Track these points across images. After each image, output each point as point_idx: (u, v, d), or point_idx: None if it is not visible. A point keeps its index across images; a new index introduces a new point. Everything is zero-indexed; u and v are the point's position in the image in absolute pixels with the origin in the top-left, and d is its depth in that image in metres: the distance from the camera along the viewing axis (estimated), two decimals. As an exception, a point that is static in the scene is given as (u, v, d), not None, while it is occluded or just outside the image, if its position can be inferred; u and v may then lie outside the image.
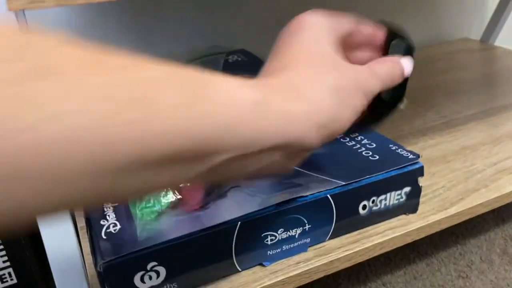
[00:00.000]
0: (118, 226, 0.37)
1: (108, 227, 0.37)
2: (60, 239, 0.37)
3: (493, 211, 0.56)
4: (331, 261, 0.42)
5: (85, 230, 0.46)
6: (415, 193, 0.46)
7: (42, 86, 0.14)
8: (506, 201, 0.52)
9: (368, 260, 0.45)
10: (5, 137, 0.13)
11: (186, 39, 0.76)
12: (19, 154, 0.13)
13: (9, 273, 0.50)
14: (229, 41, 0.78)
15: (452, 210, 0.48)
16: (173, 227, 0.36)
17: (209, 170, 0.20)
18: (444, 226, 0.48)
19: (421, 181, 0.46)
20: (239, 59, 0.71)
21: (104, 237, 0.36)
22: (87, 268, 0.41)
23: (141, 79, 0.17)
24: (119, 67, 0.17)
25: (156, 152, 0.17)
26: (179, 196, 0.37)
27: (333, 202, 0.41)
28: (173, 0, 0.73)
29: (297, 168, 0.43)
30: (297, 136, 0.22)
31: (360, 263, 0.44)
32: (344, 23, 0.29)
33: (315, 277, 0.42)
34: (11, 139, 0.13)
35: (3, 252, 0.49)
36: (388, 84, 0.29)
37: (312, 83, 0.24)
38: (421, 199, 0.47)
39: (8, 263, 0.50)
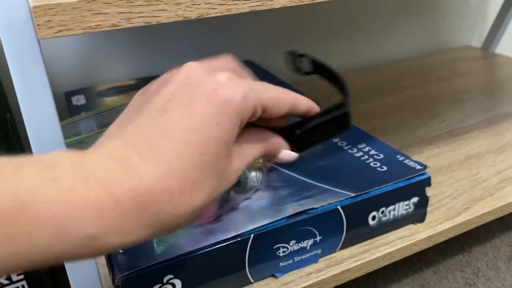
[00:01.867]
0: (134, 240, 0.38)
1: (124, 241, 0.38)
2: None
3: (498, 218, 0.57)
4: (342, 271, 0.43)
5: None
6: (423, 203, 0.47)
7: None
8: (511, 209, 0.53)
9: (374, 269, 0.45)
10: None
11: (194, 53, 0.77)
12: None
13: (23, 286, 0.51)
14: (235, 53, 0.80)
15: (459, 219, 0.49)
16: (188, 240, 0.37)
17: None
18: (451, 235, 0.49)
19: (428, 190, 0.47)
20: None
21: (121, 250, 0.37)
22: (102, 280, 0.42)
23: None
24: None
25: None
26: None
27: (343, 213, 0.42)
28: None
29: (307, 180, 0.44)
30: None
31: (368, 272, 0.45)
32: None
33: (327, 287, 0.43)
34: None
35: (17, 265, 0.50)
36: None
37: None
38: (428, 209, 0.48)
39: (21, 276, 0.50)
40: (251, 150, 0.27)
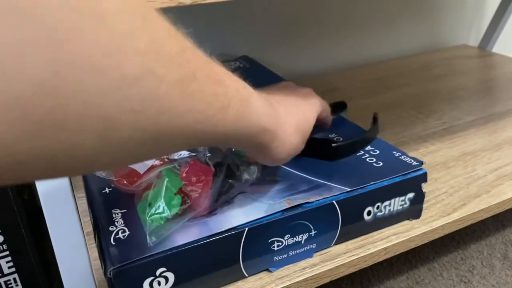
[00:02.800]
0: (127, 232, 0.37)
1: (117, 233, 0.37)
2: (70, 245, 0.37)
3: (493, 216, 0.57)
4: (336, 266, 0.42)
5: (90, 236, 0.46)
6: (419, 199, 0.47)
7: (190, 90, 0.21)
8: (507, 206, 0.52)
9: (370, 265, 0.45)
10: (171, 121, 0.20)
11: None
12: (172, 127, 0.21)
13: (14, 279, 0.50)
14: (232, 48, 0.79)
15: (455, 216, 0.49)
16: (182, 233, 0.37)
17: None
18: (447, 231, 0.49)
19: (424, 187, 0.46)
20: (241, 65, 0.72)
21: (113, 243, 0.36)
22: (94, 273, 0.42)
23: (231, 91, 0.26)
24: (219, 81, 0.24)
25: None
26: (187, 203, 0.37)
27: (339, 208, 0.42)
28: (176, 9, 0.73)
29: (303, 175, 0.44)
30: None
31: (362, 268, 0.45)
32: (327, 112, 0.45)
33: (321, 282, 0.42)
34: (174, 119, 0.21)
35: (8, 258, 0.49)
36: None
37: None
38: (424, 205, 0.48)
39: (13, 269, 0.50)
40: None
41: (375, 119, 0.49)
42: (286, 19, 0.84)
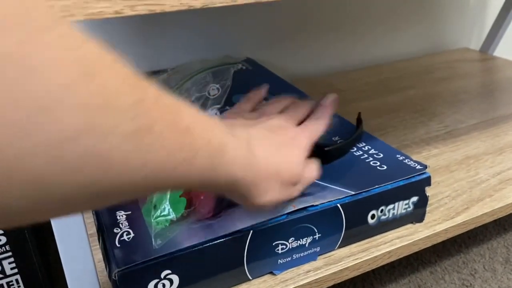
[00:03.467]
0: (132, 234, 0.37)
1: (121, 235, 0.37)
2: (74, 246, 0.37)
3: (494, 220, 0.57)
4: (340, 270, 0.42)
5: (94, 237, 0.46)
6: (422, 202, 0.47)
7: (144, 142, 0.19)
8: (510, 210, 0.53)
9: (373, 268, 0.45)
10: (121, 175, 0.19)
11: (192, 51, 0.77)
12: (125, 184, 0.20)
13: (17, 280, 0.50)
14: (235, 51, 0.79)
15: (458, 219, 0.49)
16: (187, 236, 0.37)
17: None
18: (450, 235, 0.49)
19: (427, 191, 0.46)
20: (244, 68, 0.72)
21: (118, 245, 0.36)
22: (98, 275, 0.41)
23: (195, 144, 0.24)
24: (183, 132, 0.23)
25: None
26: (192, 206, 0.37)
27: (343, 211, 0.42)
28: (180, 11, 0.73)
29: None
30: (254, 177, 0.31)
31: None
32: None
33: (325, 285, 0.42)
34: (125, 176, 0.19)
35: (11, 259, 0.49)
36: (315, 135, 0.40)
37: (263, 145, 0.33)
38: (427, 209, 0.48)
39: (15, 270, 0.50)
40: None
41: (359, 120, 0.53)
42: (290, 21, 0.84)
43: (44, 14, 0.16)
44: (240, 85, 0.57)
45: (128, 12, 0.23)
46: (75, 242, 0.36)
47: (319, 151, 0.46)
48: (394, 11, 0.94)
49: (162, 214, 0.36)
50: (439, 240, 0.48)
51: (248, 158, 0.29)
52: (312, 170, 0.38)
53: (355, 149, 0.49)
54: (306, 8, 0.84)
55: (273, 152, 0.33)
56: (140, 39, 0.73)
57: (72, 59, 0.16)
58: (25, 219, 0.17)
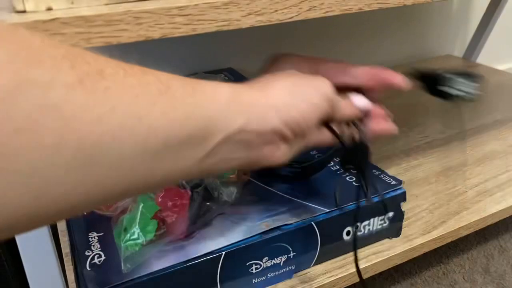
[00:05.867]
0: (103, 257, 0.37)
1: (92, 258, 0.37)
2: (42, 269, 0.37)
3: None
4: (316, 287, 0.42)
5: (69, 257, 0.46)
6: (398, 217, 0.47)
7: (101, 87, 0.18)
8: (487, 223, 0.53)
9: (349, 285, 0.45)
10: (81, 130, 0.17)
11: (176, 60, 0.76)
12: (91, 143, 0.17)
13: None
14: (217, 60, 0.79)
15: (435, 234, 0.49)
16: (158, 258, 0.36)
17: (207, 155, 0.24)
18: (427, 249, 0.49)
19: (405, 204, 0.46)
20: (226, 78, 0.72)
21: (89, 268, 0.36)
22: (71, 296, 0.41)
23: (163, 79, 0.22)
24: (142, 71, 0.21)
25: (176, 134, 0.21)
26: (163, 228, 0.37)
27: (318, 229, 0.42)
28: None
29: (282, 194, 0.44)
30: (258, 116, 0.27)
31: (344, 287, 0.45)
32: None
33: (300, 303, 0.42)
34: (84, 131, 0.17)
35: (-14, 279, 0.48)
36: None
37: (273, 84, 0.29)
38: (405, 222, 0.48)
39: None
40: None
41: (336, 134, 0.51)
42: (273, 30, 0.84)
43: None
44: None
45: (84, 45, 0.23)
46: (43, 266, 0.36)
47: (295, 167, 0.46)
48: (377, 19, 0.94)
49: (131, 238, 0.35)
50: (416, 254, 0.48)
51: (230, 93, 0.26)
52: (347, 105, 0.35)
53: (332, 163, 0.49)
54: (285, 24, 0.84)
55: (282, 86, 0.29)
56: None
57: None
58: None
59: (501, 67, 1.07)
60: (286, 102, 0.28)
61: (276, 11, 0.28)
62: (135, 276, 0.35)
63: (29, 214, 0.17)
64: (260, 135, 0.27)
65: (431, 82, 0.41)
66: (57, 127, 0.16)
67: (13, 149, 0.16)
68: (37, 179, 0.16)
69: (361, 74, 0.40)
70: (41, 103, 0.16)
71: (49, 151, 0.16)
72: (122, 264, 0.35)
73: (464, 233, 0.51)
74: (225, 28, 0.26)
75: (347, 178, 0.47)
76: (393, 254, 0.46)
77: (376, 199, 0.44)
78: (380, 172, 0.47)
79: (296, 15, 0.28)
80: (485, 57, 1.02)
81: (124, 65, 0.20)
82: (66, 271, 0.44)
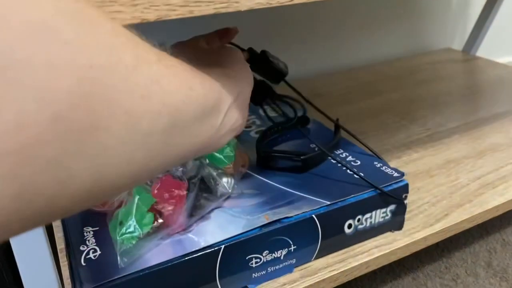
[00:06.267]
0: (98, 252, 0.36)
1: (88, 253, 0.36)
2: (36, 265, 0.35)
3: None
4: (317, 282, 0.41)
5: (64, 253, 0.45)
6: (400, 210, 0.46)
7: (140, 73, 0.19)
8: (490, 216, 0.52)
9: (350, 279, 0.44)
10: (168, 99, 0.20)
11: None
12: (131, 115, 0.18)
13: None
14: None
15: (437, 227, 0.48)
16: (155, 253, 0.35)
17: (221, 123, 0.26)
18: (429, 242, 0.48)
19: (407, 197, 0.45)
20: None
21: (84, 264, 0.35)
22: (66, 293, 0.40)
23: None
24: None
25: (207, 103, 0.24)
26: (160, 221, 0.36)
27: (318, 222, 0.41)
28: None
29: (282, 187, 0.43)
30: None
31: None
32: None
33: (301, 298, 0.41)
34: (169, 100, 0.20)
35: (-21, 276, 0.47)
36: None
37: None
38: (407, 216, 0.47)
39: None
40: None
41: (337, 127, 0.52)
42: (269, 25, 0.83)
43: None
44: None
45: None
46: (36, 262, 0.35)
47: (295, 160, 0.45)
48: (376, 12, 0.93)
49: (127, 231, 0.34)
50: (418, 248, 0.47)
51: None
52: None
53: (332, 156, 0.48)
54: (286, 12, 0.83)
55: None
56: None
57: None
58: None
59: (501, 60, 1.06)
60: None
61: (276, -7, 0.27)
62: (132, 271, 0.34)
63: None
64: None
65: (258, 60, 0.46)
66: (160, 97, 0.19)
67: (139, 113, 0.18)
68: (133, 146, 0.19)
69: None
70: (152, 77, 0.19)
71: (151, 116, 0.19)
72: (119, 259, 0.34)
73: (468, 226, 0.50)
74: (224, 11, 0.25)
75: (348, 171, 0.46)
76: (395, 248, 0.45)
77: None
78: (382, 164, 0.46)
79: (297, -3, 0.27)
80: (485, 50, 1.01)
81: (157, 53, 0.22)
82: (61, 267, 0.43)
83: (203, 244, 0.36)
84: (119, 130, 0.18)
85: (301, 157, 0.45)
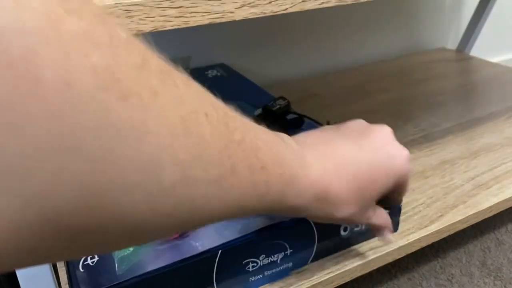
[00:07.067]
0: (96, 258, 0.36)
1: (86, 259, 0.36)
2: (34, 271, 0.36)
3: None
4: (313, 284, 0.42)
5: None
6: (395, 212, 0.46)
7: (236, 181, 0.21)
8: (483, 216, 0.53)
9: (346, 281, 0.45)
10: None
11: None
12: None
13: (-17, 302, 0.49)
14: (209, 56, 0.78)
15: (432, 228, 0.49)
16: (152, 258, 0.36)
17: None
18: (424, 244, 0.48)
19: (401, 200, 0.46)
20: (219, 74, 0.71)
21: (82, 270, 0.35)
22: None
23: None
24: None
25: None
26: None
27: (314, 225, 0.41)
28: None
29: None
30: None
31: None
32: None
33: (298, 301, 0.42)
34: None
35: (-23, 281, 0.47)
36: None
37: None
38: (402, 217, 0.48)
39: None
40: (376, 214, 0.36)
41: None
42: (265, 26, 0.83)
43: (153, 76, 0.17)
44: (212, 91, 0.56)
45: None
46: (35, 268, 0.35)
47: None
48: (370, 11, 0.94)
49: (125, 237, 0.34)
50: (413, 249, 0.48)
51: (317, 188, 0.29)
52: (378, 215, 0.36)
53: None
54: (281, 14, 0.83)
55: (357, 177, 0.31)
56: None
57: (173, 119, 0.17)
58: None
59: (495, 59, 1.07)
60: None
61: (270, 2, 0.27)
62: (129, 277, 0.34)
63: None
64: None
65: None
66: (185, 215, 0.19)
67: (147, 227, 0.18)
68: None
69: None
70: (186, 198, 0.19)
71: None
72: (116, 265, 0.34)
73: (462, 226, 0.51)
74: (218, 21, 0.26)
75: (344, 173, 0.46)
76: (391, 249, 0.46)
77: None
78: (376, 167, 0.47)
79: (291, 7, 0.27)
80: (479, 50, 1.02)
81: (255, 155, 0.23)
82: (59, 273, 0.43)
83: (200, 249, 0.37)
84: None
85: None
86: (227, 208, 0.21)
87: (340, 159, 0.31)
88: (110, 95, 0.14)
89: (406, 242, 0.47)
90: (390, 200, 0.37)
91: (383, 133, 0.35)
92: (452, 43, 1.08)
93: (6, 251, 0.14)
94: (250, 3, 0.26)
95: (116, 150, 0.15)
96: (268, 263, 0.41)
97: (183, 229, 0.21)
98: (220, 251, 0.37)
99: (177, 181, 0.17)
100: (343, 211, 0.31)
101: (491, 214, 0.53)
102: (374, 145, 0.33)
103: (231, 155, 0.20)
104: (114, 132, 0.15)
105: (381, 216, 0.36)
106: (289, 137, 0.30)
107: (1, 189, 0.13)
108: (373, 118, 0.71)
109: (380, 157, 0.33)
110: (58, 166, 0.14)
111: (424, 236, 0.48)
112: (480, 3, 0.95)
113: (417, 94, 0.81)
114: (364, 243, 0.46)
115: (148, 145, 0.16)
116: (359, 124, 0.36)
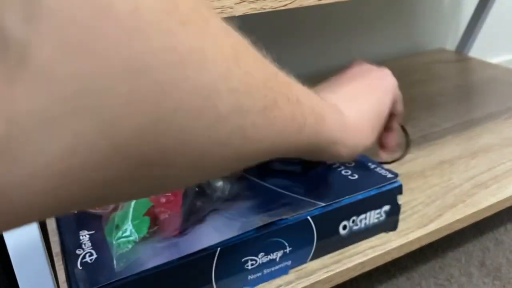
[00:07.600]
0: (94, 256, 0.36)
1: (84, 257, 0.36)
2: (32, 269, 0.35)
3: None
4: (312, 283, 0.42)
5: (59, 257, 0.45)
6: (395, 211, 0.46)
7: (279, 112, 0.23)
8: (482, 216, 0.53)
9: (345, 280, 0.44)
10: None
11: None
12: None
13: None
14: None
15: (431, 227, 0.48)
16: (151, 256, 0.36)
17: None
18: (423, 242, 0.48)
19: (400, 198, 0.46)
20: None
21: (80, 267, 0.35)
22: (62, 297, 0.40)
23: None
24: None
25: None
26: (156, 225, 0.36)
27: (314, 223, 0.41)
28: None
29: (277, 189, 0.43)
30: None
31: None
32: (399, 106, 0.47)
33: (297, 299, 0.41)
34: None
35: (-25, 280, 0.47)
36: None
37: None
38: (401, 216, 0.48)
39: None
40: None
41: None
42: (263, 25, 0.83)
43: (202, 6, 0.17)
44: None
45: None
46: (33, 266, 0.35)
47: (293, 162, 0.45)
48: (369, 13, 0.94)
49: (124, 235, 0.34)
50: (413, 248, 0.48)
51: (342, 120, 0.32)
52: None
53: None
54: (280, 13, 0.83)
55: (362, 106, 0.36)
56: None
57: (226, 49, 0.18)
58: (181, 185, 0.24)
59: (494, 60, 1.07)
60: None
61: (270, -2, 0.27)
62: (128, 274, 0.34)
63: None
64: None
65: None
66: (238, 144, 0.20)
67: (208, 155, 0.19)
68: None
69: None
70: (238, 127, 0.20)
71: None
72: (115, 262, 0.34)
73: (461, 226, 0.51)
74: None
75: (342, 172, 0.46)
76: (390, 248, 0.46)
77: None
78: (376, 166, 0.47)
79: (290, 3, 0.27)
80: (478, 50, 1.02)
81: (290, 89, 0.25)
82: (57, 271, 0.43)
83: (199, 247, 0.37)
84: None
85: (300, 160, 0.45)
86: (272, 141, 0.22)
87: (354, 95, 0.37)
88: (172, 18, 0.15)
89: (405, 241, 0.46)
90: (396, 116, 0.47)
91: (374, 72, 0.46)
92: (451, 44, 1.09)
93: (71, 181, 0.14)
94: (249, -1, 0.26)
95: (180, 74, 0.16)
96: (267, 261, 0.40)
97: (234, 165, 0.22)
98: (219, 248, 0.37)
99: (230, 109, 0.18)
100: (366, 140, 0.35)
101: (490, 213, 0.53)
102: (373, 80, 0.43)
103: (273, 86, 0.22)
104: (177, 57, 0.15)
105: (390, 137, 0.45)
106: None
107: (78, 111, 0.13)
108: (372, 118, 0.71)
109: (379, 85, 0.43)
110: (130, 88, 0.14)
111: (424, 235, 0.48)
112: (479, 4, 0.96)
113: (416, 95, 0.81)
114: (363, 242, 0.46)
115: (207, 72, 0.17)
116: (359, 67, 0.47)
